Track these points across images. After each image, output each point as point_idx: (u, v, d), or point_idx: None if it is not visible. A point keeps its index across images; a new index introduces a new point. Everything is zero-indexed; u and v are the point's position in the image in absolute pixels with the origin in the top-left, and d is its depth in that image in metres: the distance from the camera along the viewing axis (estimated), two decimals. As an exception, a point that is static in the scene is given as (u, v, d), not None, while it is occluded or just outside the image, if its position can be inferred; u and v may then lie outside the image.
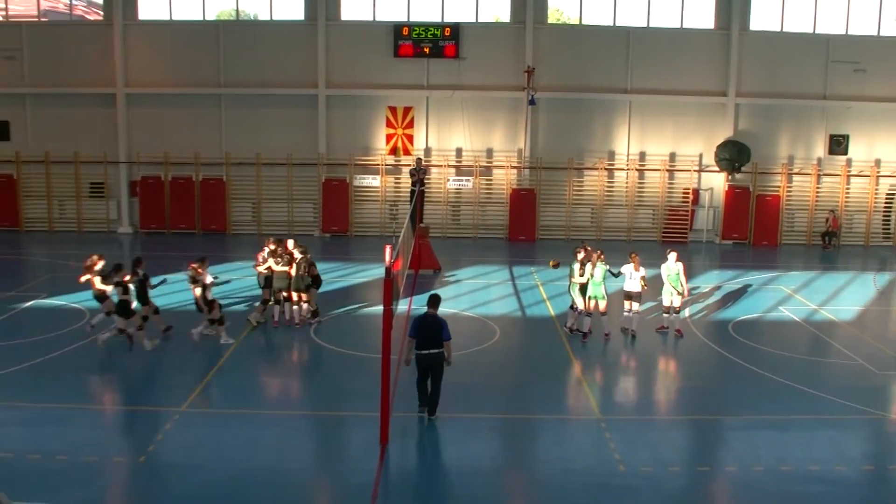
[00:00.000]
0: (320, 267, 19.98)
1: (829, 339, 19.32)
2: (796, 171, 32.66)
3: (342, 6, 32.27)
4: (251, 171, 32.53)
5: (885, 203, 32.94)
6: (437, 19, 32.11)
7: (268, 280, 18.98)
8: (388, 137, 32.48)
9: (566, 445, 13.00)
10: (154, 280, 18.05)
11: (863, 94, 32.11)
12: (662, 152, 32.73)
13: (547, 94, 31.87)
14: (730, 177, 32.33)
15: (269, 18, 32.70)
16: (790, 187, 32.72)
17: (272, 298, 19.05)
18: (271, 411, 14.23)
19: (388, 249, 13.15)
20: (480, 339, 18.42)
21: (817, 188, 32.65)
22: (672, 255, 18.82)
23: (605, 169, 32.64)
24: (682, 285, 18.84)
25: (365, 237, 32.14)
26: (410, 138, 32.37)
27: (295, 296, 18.89)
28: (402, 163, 32.39)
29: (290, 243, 19.38)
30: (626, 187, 32.87)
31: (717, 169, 32.26)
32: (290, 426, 13.64)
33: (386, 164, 32.52)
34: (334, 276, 24.41)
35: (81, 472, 11.43)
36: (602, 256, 18.54)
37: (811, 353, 18.41)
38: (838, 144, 32.55)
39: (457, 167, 32.76)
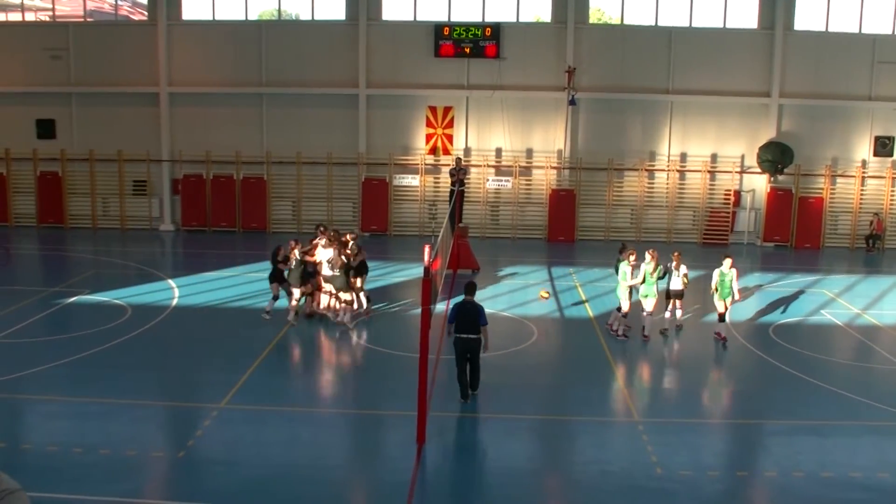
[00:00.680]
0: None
1: (872, 344, 19.01)
2: (840, 173, 32.19)
3: (383, 6, 32.37)
4: (291, 169, 32.74)
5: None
6: (478, 19, 32.07)
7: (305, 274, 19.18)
8: (428, 137, 32.52)
9: (603, 447, 12.94)
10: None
11: (910, 95, 31.59)
12: (704, 153, 32.41)
13: (587, 94, 31.70)
14: (772, 178, 31.94)
15: (310, 18, 32.88)
16: (833, 189, 32.24)
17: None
18: (309, 409, 14.34)
19: (426, 249, 13.18)
20: (518, 340, 18.38)
21: (861, 190, 32.16)
22: (727, 261, 18.42)
23: (646, 170, 32.41)
24: (735, 291, 18.56)
25: (404, 236, 32.22)
26: (450, 138, 32.38)
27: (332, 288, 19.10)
28: (441, 162, 32.42)
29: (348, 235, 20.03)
30: (667, 188, 32.60)
31: (759, 170, 31.89)
32: (328, 424, 13.73)
33: (425, 164, 32.57)
34: (373, 274, 24.47)
35: (122, 466, 11.59)
36: (656, 254, 18.53)
37: (854, 358, 18.14)
38: (884, 146, 32.00)
39: (496, 167, 32.72)
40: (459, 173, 27.93)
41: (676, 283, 18.86)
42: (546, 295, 21.20)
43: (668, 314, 19.03)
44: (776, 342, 18.78)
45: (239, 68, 32.61)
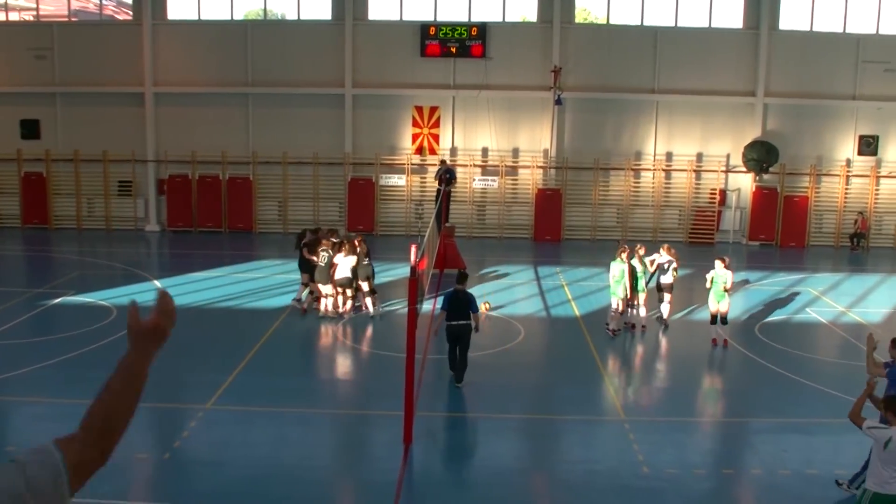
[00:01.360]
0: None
1: (856, 342, 19.05)
2: (825, 172, 32.34)
3: (369, 6, 32.31)
4: (278, 170, 32.67)
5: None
6: (464, 19, 32.07)
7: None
8: (414, 137, 32.50)
9: (590, 446, 12.98)
10: None
11: (894, 94, 31.62)
12: (689, 153, 32.52)
13: (573, 93, 31.74)
14: (757, 177, 32.07)
15: (296, 18, 32.79)
16: (818, 188, 32.40)
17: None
18: (296, 409, 14.29)
19: (413, 249, 13.17)
20: (505, 340, 18.40)
21: (846, 189, 32.32)
22: (719, 263, 18.23)
23: (632, 169, 32.48)
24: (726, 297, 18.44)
25: (390, 236, 32.19)
26: (436, 138, 32.38)
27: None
28: (427, 162, 32.42)
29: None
30: (653, 188, 32.68)
31: (744, 169, 32.00)
32: (315, 424, 13.71)
33: (412, 164, 32.56)
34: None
35: (107, 468, 11.42)
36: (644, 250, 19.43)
37: (839, 356, 18.24)
38: (868, 145, 32.17)
39: (482, 167, 32.73)
40: (445, 174, 27.38)
41: (667, 277, 19.30)
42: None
43: (665, 305, 19.42)
44: (761, 340, 18.86)
45: (224, 68, 32.49)
